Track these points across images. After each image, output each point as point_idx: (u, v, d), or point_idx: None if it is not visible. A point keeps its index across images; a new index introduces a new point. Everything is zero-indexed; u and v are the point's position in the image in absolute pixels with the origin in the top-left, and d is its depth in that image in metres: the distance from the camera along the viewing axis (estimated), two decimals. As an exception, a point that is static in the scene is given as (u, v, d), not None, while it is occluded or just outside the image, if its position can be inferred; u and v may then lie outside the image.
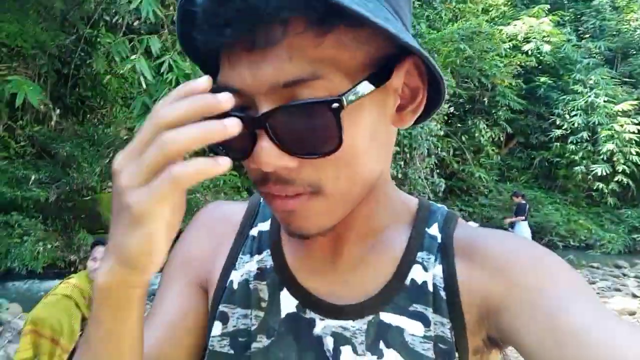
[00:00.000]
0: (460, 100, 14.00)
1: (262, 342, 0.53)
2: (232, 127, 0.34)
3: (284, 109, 0.41)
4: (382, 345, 0.50)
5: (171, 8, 7.51)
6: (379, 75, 0.44)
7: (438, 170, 12.91)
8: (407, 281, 0.52)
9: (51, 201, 8.02)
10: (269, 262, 0.57)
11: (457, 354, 0.50)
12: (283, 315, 0.53)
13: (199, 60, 0.52)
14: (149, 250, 0.36)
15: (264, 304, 0.55)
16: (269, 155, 0.43)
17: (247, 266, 0.57)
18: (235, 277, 0.57)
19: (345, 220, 0.50)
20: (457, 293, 0.50)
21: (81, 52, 9.38)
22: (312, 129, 0.42)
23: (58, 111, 9.42)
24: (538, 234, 12.74)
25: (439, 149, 12.44)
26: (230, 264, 0.58)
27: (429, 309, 0.50)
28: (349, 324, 0.51)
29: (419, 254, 0.53)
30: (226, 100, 0.35)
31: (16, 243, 7.50)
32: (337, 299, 0.53)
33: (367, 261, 0.54)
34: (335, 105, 0.41)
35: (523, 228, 9.20)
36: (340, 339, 0.51)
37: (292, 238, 0.54)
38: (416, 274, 0.52)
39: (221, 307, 0.55)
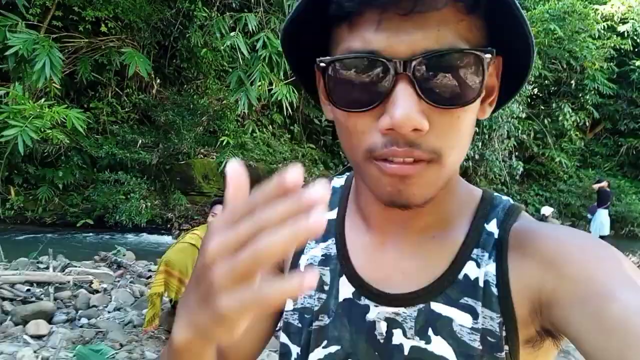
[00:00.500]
0: (546, 82, 13.56)
1: (322, 320, 0.58)
2: (318, 226, 0.31)
3: (434, 54, 0.43)
4: (430, 331, 0.52)
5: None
6: (491, 60, 0.46)
7: (517, 153, 12.72)
8: (460, 276, 0.53)
9: (152, 163, 8.86)
10: (333, 250, 0.60)
11: (506, 347, 0.51)
12: (341, 299, 0.57)
13: (295, 62, 0.55)
14: (226, 330, 0.36)
15: (326, 287, 0.59)
16: (409, 107, 0.43)
17: (313, 251, 0.62)
18: (303, 260, 0.62)
19: (418, 211, 0.52)
20: (508, 289, 0.51)
21: (180, 26, 10.06)
22: (458, 78, 0.44)
23: (158, 81, 10.24)
24: (618, 223, 12.32)
25: (519, 131, 12.23)
26: (300, 249, 0.62)
27: (479, 303, 0.52)
28: (400, 310, 0.54)
29: (475, 251, 0.54)
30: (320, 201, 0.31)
31: (122, 200, 8.43)
32: (391, 288, 0.55)
33: (425, 254, 0.56)
34: (488, 56, 0.44)
35: (602, 216, 9.00)
36: (393, 323, 0.54)
37: (355, 232, 0.59)
38: (469, 269, 0.53)
39: None
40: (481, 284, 0.52)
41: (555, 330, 0.49)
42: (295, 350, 0.60)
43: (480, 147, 10.75)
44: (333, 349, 0.57)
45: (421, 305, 0.53)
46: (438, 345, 0.52)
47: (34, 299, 3.91)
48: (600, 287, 0.45)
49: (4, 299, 3.83)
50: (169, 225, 8.94)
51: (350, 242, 0.60)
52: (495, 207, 0.56)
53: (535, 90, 12.98)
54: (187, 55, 10.57)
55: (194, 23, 10.03)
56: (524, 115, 12.17)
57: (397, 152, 0.45)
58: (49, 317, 3.62)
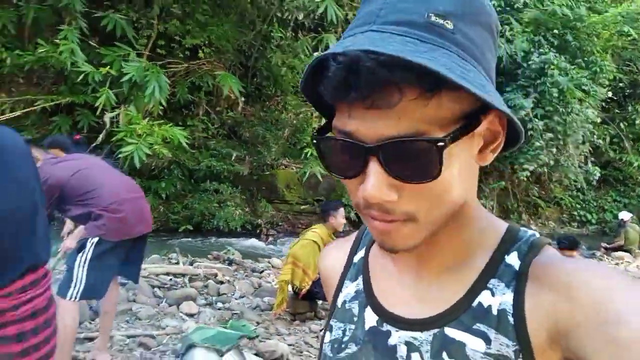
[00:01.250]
0: (620, 84, 13.34)
1: (351, 348, 0.63)
2: None
3: (397, 142, 0.48)
4: (444, 355, 0.55)
5: (345, 8, 8.55)
6: (470, 125, 0.50)
7: (592, 159, 12.58)
8: (474, 304, 0.56)
9: (244, 174, 9.67)
10: (361, 285, 0.66)
11: None
12: (366, 328, 0.62)
13: (313, 101, 0.60)
14: None
15: (355, 319, 0.65)
16: (377, 183, 0.50)
17: (347, 290, 0.68)
18: (340, 298, 0.68)
19: (429, 244, 0.56)
20: (523, 318, 0.53)
21: (260, 47, 10.88)
22: (417, 159, 0.49)
23: (243, 99, 11.11)
24: None
25: (595, 136, 12.11)
26: (339, 289, 0.69)
27: (492, 330, 0.54)
28: (417, 334, 0.58)
29: (491, 281, 0.56)
30: None
31: (216, 207, 9.25)
32: (410, 314, 0.60)
33: (443, 283, 0.59)
34: (441, 144, 0.48)
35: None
36: (412, 347, 0.58)
37: (378, 266, 0.66)
38: (483, 298, 0.56)
39: (331, 322, 0.68)
40: (494, 312, 0.55)
41: (576, 359, 0.50)
42: None
43: (555, 153, 10.78)
44: None
45: (436, 330, 0.57)
46: None
47: (178, 286, 4.64)
48: (613, 315, 0.47)
49: (153, 286, 4.57)
50: (257, 231, 9.68)
51: (375, 275, 0.66)
52: (518, 240, 0.59)
53: (610, 94, 12.81)
54: (267, 74, 11.38)
55: (272, 43, 10.83)
56: (599, 120, 12.05)
57: (374, 214, 0.52)
58: (193, 301, 4.31)
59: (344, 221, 4.43)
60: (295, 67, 10.62)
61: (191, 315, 4.00)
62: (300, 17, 9.64)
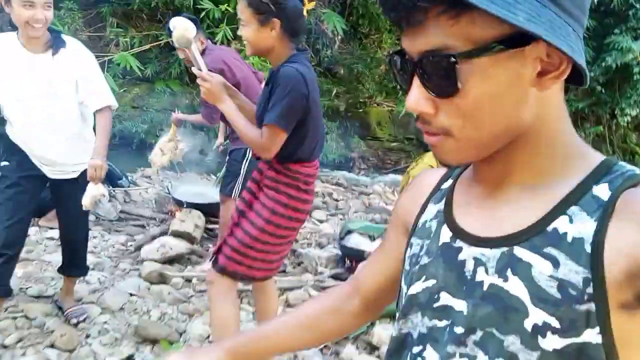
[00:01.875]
0: None
1: (424, 260, 0.68)
2: None
3: (426, 56, 0.54)
4: (509, 272, 0.57)
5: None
6: (508, 43, 0.52)
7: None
8: (549, 228, 0.56)
9: (339, 110, 10.21)
10: (442, 207, 0.70)
11: (592, 305, 0.52)
12: (440, 243, 0.66)
13: None
14: None
15: (431, 235, 0.69)
16: (415, 96, 0.56)
17: (430, 210, 0.72)
18: (422, 219, 0.73)
19: (505, 165, 0.60)
20: (602, 249, 0.52)
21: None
22: (439, 74, 0.54)
23: (339, 37, 11.45)
24: None
25: None
26: (421, 212, 0.73)
27: (562, 254, 0.54)
28: (486, 251, 0.60)
29: (572, 208, 0.56)
30: None
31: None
32: (483, 232, 0.62)
33: (520, 204, 0.60)
34: (452, 58, 0.52)
35: None
36: (478, 262, 0.60)
37: (462, 190, 0.69)
38: (560, 224, 0.56)
39: (411, 240, 0.73)
40: (569, 239, 0.54)
41: None
42: (404, 287, 0.71)
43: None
44: (430, 282, 0.65)
45: (505, 249, 0.58)
46: (514, 284, 0.56)
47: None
48: None
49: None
50: (350, 164, 10.32)
51: (457, 199, 0.69)
52: (613, 172, 0.57)
53: None
54: (363, 12, 11.57)
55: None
56: None
57: (420, 125, 0.59)
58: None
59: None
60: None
61: (321, 222, 4.71)
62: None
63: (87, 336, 2.50)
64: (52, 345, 2.38)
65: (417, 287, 0.67)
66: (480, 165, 0.64)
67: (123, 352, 2.40)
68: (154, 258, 3.34)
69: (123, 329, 2.59)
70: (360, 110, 10.90)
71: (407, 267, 0.71)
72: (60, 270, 2.67)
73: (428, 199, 0.74)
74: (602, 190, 0.56)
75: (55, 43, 2.18)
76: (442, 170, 0.76)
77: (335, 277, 3.51)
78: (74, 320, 2.56)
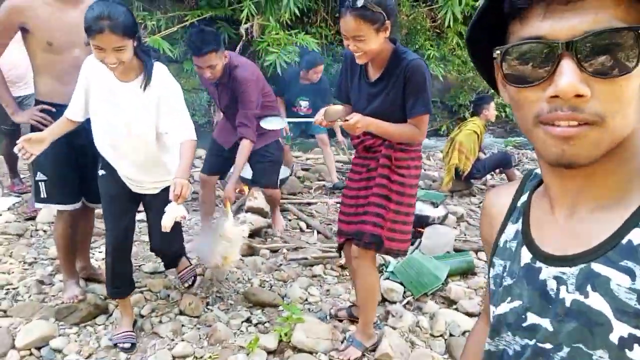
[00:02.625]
0: None
1: (507, 281, 0.69)
2: None
3: (595, 35, 0.51)
4: (588, 287, 0.57)
5: None
6: None
7: None
8: (624, 240, 0.57)
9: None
10: (520, 226, 0.71)
11: None
12: (522, 264, 0.67)
13: (478, 61, 0.68)
14: None
15: (513, 256, 0.70)
16: (572, 77, 0.52)
17: (509, 230, 0.73)
18: (502, 238, 0.74)
19: (586, 177, 0.60)
20: None
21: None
22: (616, 52, 0.51)
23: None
24: None
25: None
26: (501, 231, 0.75)
27: (638, 267, 0.54)
28: (565, 269, 0.61)
29: None
30: None
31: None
32: (560, 251, 0.63)
33: (595, 220, 0.61)
34: (638, 33, 0.51)
35: None
36: (560, 281, 0.61)
37: (538, 207, 0.69)
38: (634, 236, 0.56)
39: (493, 259, 0.74)
40: None
41: None
42: (492, 306, 0.73)
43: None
44: (516, 303, 0.67)
45: (583, 265, 0.59)
46: (595, 299, 0.57)
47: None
48: None
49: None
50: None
51: (534, 217, 0.69)
52: None
53: None
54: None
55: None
56: None
57: (560, 115, 0.54)
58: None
59: (496, 113, 5.12)
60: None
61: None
62: None
63: (207, 304, 2.87)
64: (181, 313, 2.75)
65: (504, 308, 0.69)
66: (563, 177, 0.63)
67: (242, 315, 2.77)
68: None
69: (234, 296, 2.96)
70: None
71: (492, 286, 0.74)
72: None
73: (507, 218, 0.75)
74: None
75: (145, 71, 2.22)
76: (512, 187, 0.78)
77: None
78: (189, 282, 2.90)
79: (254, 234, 3.76)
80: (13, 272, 3.06)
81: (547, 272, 0.63)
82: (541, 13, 0.55)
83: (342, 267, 3.43)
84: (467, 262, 3.37)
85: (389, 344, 2.47)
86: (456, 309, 2.98)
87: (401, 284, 3.15)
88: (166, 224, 2.14)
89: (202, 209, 3.69)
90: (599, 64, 0.53)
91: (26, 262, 3.20)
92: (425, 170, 6.15)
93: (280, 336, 2.51)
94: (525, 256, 0.67)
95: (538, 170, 0.74)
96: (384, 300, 3.01)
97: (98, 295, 2.78)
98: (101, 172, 2.46)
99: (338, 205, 4.63)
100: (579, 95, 0.53)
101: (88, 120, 2.35)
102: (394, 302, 3.00)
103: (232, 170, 3.30)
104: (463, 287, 3.18)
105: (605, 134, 0.55)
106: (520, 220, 0.71)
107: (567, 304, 0.60)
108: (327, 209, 4.57)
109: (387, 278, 3.21)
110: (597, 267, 0.58)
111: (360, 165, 2.42)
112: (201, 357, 2.42)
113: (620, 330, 0.54)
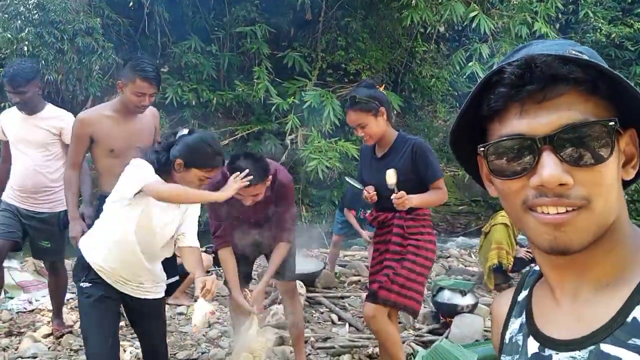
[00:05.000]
0: None
1: None
2: None
3: (572, 128, 0.55)
4: None
5: (495, 18, 9.20)
6: (618, 132, 0.56)
7: None
8: (629, 319, 0.57)
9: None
10: (524, 319, 0.71)
11: None
12: (529, 355, 0.66)
13: (462, 159, 0.73)
14: None
15: (519, 349, 0.69)
16: (555, 168, 0.55)
17: (513, 326, 0.73)
18: (507, 335, 0.74)
19: (584, 262, 0.61)
20: None
21: (407, 63, 11.87)
22: (591, 143, 0.56)
23: (395, 112, 12.18)
24: None
25: None
26: (505, 328, 0.75)
27: None
28: (575, 353, 0.60)
29: None
30: None
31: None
32: (567, 335, 0.62)
33: (598, 300, 0.61)
34: (612, 123, 0.55)
35: None
36: None
37: (540, 298, 0.70)
38: (638, 312, 0.57)
39: (501, 357, 0.74)
40: None
41: None
42: None
43: None
44: None
45: (592, 347, 0.59)
46: None
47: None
48: None
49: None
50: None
51: (536, 307, 0.70)
52: None
53: None
54: (414, 87, 12.34)
55: (416, 58, 11.76)
56: None
57: (546, 201, 0.57)
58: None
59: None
60: (443, 76, 11.46)
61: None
62: (442, 29, 10.46)
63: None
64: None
65: None
66: (562, 264, 0.64)
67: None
68: (270, 323, 3.81)
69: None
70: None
71: None
72: None
73: (509, 315, 0.75)
74: None
75: None
76: (512, 289, 0.80)
77: (432, 332, 3.84)
78: None
79: (282, 326, 3.86)
80: (60, 358, 3.28)
81: (558, 358, 0.62)
82: (517, 112, 0.59)
83: (370, 357, 3.44)
84: (496, 350, 3.30)
85: None
86: (484, 401, 2.90)
87: (429, 372, 3.12)
88: (197, 321, 2.09)
89: (234, 319, 3.20)
90: (577, 154, 0.56)
91: (72, 349, 3.43)
92: (466, 266, 6.13)
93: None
94: (533, 346, 0.67)
95: (537, 267, 0.74)
96: (410, 388, 2.99)
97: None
98: (85, 284, 2.23)
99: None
100: (562, 184, 0.56)
101: None
102: (422, 392, 2.96)
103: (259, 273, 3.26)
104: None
105: (593, 217, 0.58)
106: (524, 314, 0.72)
107: None
108: (360, 302, 4.62)
109: (415, 367, 3.19)
110: (606, 347, 0.58)
111: (378, 243, 2.79)
112: None
113: None
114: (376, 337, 2.84)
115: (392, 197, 2.42)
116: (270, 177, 2.72)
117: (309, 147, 9.07)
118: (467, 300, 3.86)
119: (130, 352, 3.40)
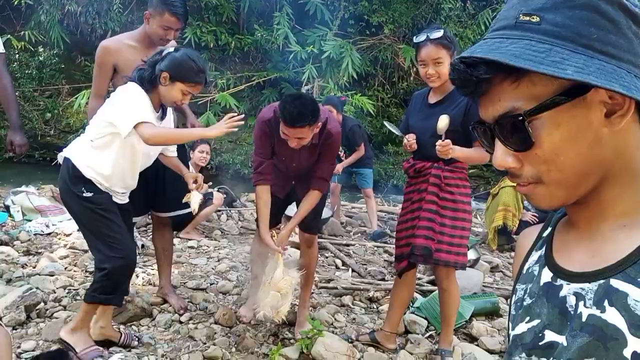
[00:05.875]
0: None
1: (527, 301, 0.71)
2: None
3: (500, 120, 0.62)
4: (606, 303, 0.59)
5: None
6: (570, 94, 0.57)
7: None
8: None
9: (417, 138, 10.65)
10: (543, 252, 0.73)
11: None
12: (541, 284, 0.69)
13: None
14: None
15: (534, 278, 0.72)
16: (500, 154, 0.63)
17: (532, 258, 0.76)
18: (526, 266, 0.76)
19: (598, 203, 0.64)
20: None
21: (431, 19, 11.58)
22: (515, 132, 0.61)
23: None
24: None
25: None
26: (525, 260, 0.77)
27: None
28: (585, 285, 0.62)
29: None
30: None
31: (391, 169, 10.37)
32: (581, 268, 0.64)
33: (615, 238, 0.63)
34: (520, 118, 0.59)
35: None
36: (579, 297, 0.62)
37: (562, 234, 0.73)
38: None
39: (516, 286, 0.77)
40: None
41: None
42: (510, 329, 0.75)
43: None
44: (534, 322, 0.68)
45: (602, 281, 0.61)
46: (611, 314, 0.58)
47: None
48: None
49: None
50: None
51: (556, 240, 0.72)
52: None
53: None
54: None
55: (441, 15, 11.45)
56: None
57: (510, 179, 0.66)
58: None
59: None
60: (467, 36, 11.18)
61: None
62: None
63: (238, 317, 3.10)
64: (216, 322, 3.01)
65: (522, 328, 0.70)
66: (576, 208, 0.67)
67: (270, 330, 2.98)
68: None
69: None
70: (437, 139, 11.26)
71: (512, 312, 0.75)
72: None
73: (532, 248, 0.77)
74: None
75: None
76: (540, 225, 0.81)
77: (432, 282, 3.96)
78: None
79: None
80: (75, 277, 3.46)
81: (568, 289, 0.64)
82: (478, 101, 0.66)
83: (371, 299, 3.57)
84: (492, 302, 3.42)
85: (403, 365, 2.58)
86: (477, 345, 3.03)
87: (426, 319, 3.25)
88: (195, 207, 2.63)
89: (254, 261, 3.24)
90: (512, 140, 0.62)
91: (87, 270, 3.61)
92: (472, 227, 6.22)
93: (302, 348, 2.69)
94: (546, 276, 0.69)
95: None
96: (406, 331, 3.12)
97: (145, 301, 3.09)
98: (88, 194, 2.37)
99: (376, 248, 4.81)
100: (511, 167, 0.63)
101: None
102: (417, 334, 3.10)
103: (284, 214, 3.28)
104: (486, 325, 3.23)
105: (550, 187, 0.62)
106: (544, 247, 0.73)
107: (584, 318, 0.60)
108: (364, 250, 4.75)
109: (413, 312, 3.32)
110: (615, 282, 0.59)
111: (411, 192, 2.73)
112: (228, 360, 2.64)
113: (635, 345, 0.55)
114: (441, 296, 2.83)
115: (437, 143, 2.39)
116: (320, 124, 2.60)
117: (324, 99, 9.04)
118: (470, 254, 3.95)
119: (142, 278, 3.56)
